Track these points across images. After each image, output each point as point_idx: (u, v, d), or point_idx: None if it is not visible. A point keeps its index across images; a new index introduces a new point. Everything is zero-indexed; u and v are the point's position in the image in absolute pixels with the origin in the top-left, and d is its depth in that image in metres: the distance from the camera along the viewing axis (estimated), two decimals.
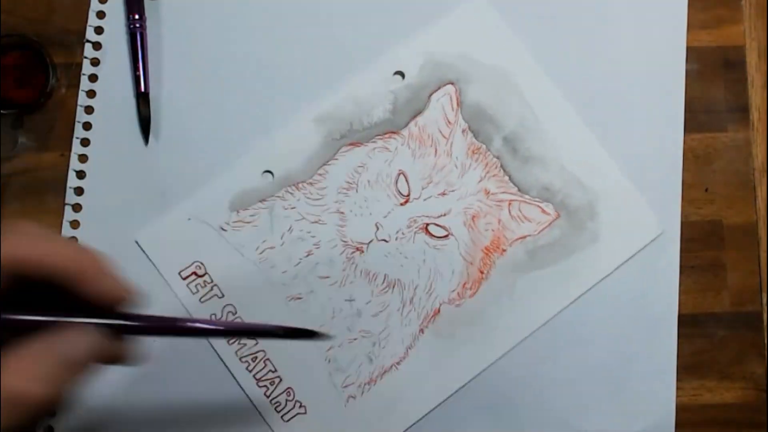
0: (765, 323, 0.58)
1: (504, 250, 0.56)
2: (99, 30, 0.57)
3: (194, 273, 0.55)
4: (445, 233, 0.55)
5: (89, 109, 0.57)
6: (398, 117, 0.56)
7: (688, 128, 0.58)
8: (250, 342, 0.55)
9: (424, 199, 0.56)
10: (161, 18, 0.57)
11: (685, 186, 0.58)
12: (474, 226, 0.56)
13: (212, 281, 0.55)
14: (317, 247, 0.55)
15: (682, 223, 0.57)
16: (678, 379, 0.56)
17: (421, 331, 0.55)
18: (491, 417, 0.56)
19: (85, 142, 0.56)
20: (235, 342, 0.54)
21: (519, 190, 0.56)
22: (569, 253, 0.56)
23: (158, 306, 0.54)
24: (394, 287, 0.55)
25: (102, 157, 0.56)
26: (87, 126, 0.57)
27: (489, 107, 0.57)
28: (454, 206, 0.56)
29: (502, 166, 0.56)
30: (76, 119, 0.57)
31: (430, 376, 0.55)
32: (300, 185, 0.56)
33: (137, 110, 0.56)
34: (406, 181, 0.55)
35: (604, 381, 0.56)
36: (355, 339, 0.55)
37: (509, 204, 0.56)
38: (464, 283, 0.56)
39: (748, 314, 0.57)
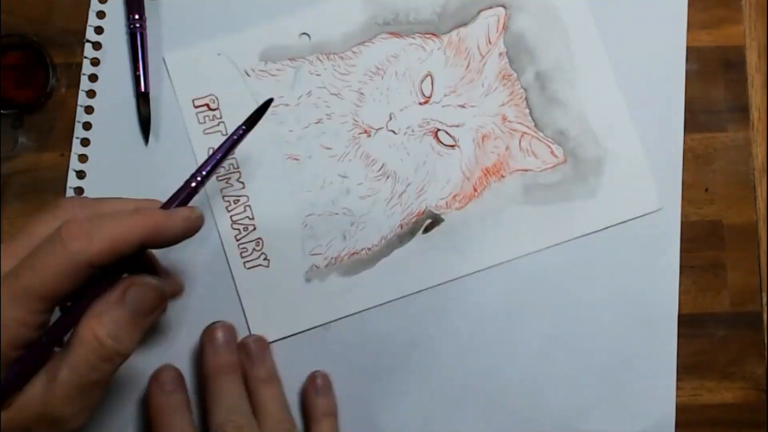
0: (765, 323, 0.58)
1: (503, 176, 0.57)
2: (99, 30, 0.57)
3: (207, 105, 0.56)
4: (453, 143, 0.56)
5: (89, 109, 0.57)
6: (443, 22, 0.57)
7: (688, 128, 0.58)
8: (237, 184, 0.56)
9: (443, 106, 0.56)
10: (161, 18, 0.57)
11: (685, 186, 0.58)
12: (482, 145, 0.56)
13: (221, 117, 0.56)
14: (329, 118, 0.56)
15: (682, 223, 0.57)
16: (678, 379, 0.56)
17: (401, 227, 0.56)
18: (491, 417, 0.56)
19: (85, 142, 0.56)
20: (223, 179, 0.56)
21: (535, 126, 0.57)
22: (563, 200, 0.57)
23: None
24: (388, 178, 0.56)
25: (102, 158, 0.56)
26: (87, 126, 0.57)
27: (531, 39, 0.57)
28: (469, 121, 0.56)
29: (526, 98, 0.57)
30: (76, 119, 0.56)
31: (395, 271, 0.56)
32: (331, 56, 0.57)
33: (137, 110, 0.56)
34: (431, 83, 0.56)
35: (603, 381, 0.56)
36: (336, 214, 0.56)
37: (521, 135, 0.57)
38: (455, 195, 0.56)
39: (748, 314, 0.58)
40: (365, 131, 0.56)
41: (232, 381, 0.52)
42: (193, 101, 0.56)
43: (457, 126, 0.57)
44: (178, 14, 0.58)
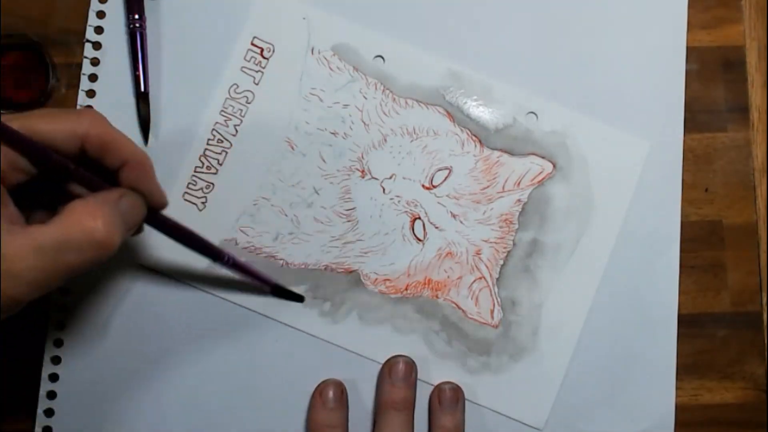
0: (765, 323, 0.58)
1: (436, 297, 0.56)
2: (99, 30, 0.57)
3: (261, 50, 0.56)
4: (421, 238, 0.56)
5: None
6: (495, 137, 0.56)
7: (688, 128, 0.58)
8: (231, 129, 0.57)
9: (438, 203, 0.56)
10: (161, 18, 0.57)
11: (685, 186, 0.58)
12: (442, 258, 0.56)
13: (263, 67, 0.56)
14: (344, 138, 0.56)
15: (682, 223, 0.57)
16: (678, 379, 0.56)
17: (324, 267, 0.56)
18: (491, 417, 0.56)
19: None
20: (224, 116, 0.57)
21: (497, 280, 0.56)
22: (465, 359, 0.56)
23: (57, 406, 0.55)
24: (349, 221, 0.56)
25: None
26: None
27: (553, 209, 0.57)
28: (449, 232, 0.56)
29: (508, 252, 0.56)
30: None
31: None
32: (386, 91, 0.57)
33: (137, 110, 0.56)
34: (445, 178, 0.56)
35: (603, 381, 0.56)
36: (285, 215, 0.56)
37: (479, 278, 0.56)
38: (387, 279, 0.56)
39: (748, 314, 0.57)
40: (362, 171, 0.56)
41: (402, 417, 0.53)
42: (253, 38, 0.56)
43: (436, 228, 0.56)
44: (179, 14, 0.58)
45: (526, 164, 0.56)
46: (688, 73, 0.58)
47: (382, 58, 0.56)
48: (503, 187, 0.56)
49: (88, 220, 0.41)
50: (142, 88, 0.56)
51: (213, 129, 0.56)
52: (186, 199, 0.56)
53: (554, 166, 0.57)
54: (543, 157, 0.57)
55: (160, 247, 0.55)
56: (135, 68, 0.56)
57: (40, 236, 0.40)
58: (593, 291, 0.56)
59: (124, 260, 0.56)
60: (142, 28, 0.57)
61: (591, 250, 0.56)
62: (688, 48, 0.58)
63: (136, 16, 0.56)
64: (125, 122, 0.56)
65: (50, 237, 0.40)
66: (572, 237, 0.56)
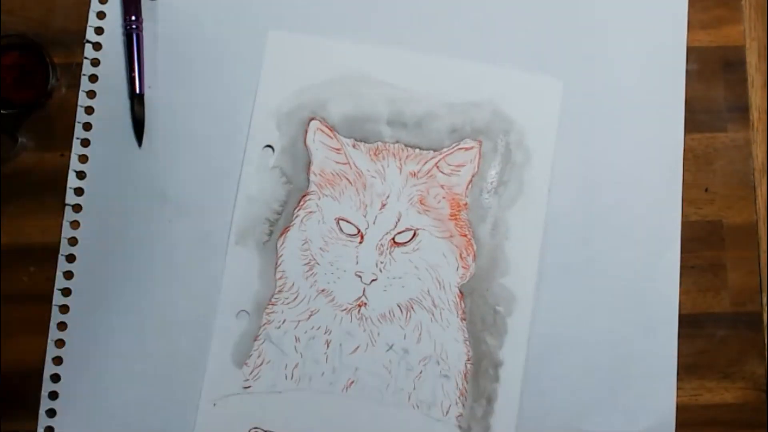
0: (765, 323, 0.58)
1: (466, 204, 0.56)
2: (99, 30, 0.57)
3: (270, 146, 0.56)
4: (412, 233, 0.56)
5: (89, 110, 0.57)
6: (297, 180, 0.57)
7: (688, 128, 0.58)
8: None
9: (373, 223, 0.56)
10: (158, 19, 0.57)
11: (685, 186, 0.58)
12: (427, 207, 0.56)
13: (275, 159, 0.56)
14: (329, 333, 0.56)
15: (682, 223, 0.57)
16: (678, 379, 0.56)
17: (462, 319, 0.56)
18: (492, 417, 0.56)
19: (85, 143, 0.56)
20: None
21: (434, 150, 0.57)
22: (512, 161, 0.57)
23: (59, 407, 0.55)
24: (413, 307, 0.56)
25: (102, 158, 0.56)
26: (87, 126, 0.57)
27: (355, 111, 0.57)
28: (400, 207, 0.56)
29: (405, 145, 0.57)
30: (76, 120, 0.56)
31: (502, 342, 0.56)
32: (273, 300, 0.56)
33: (131, 111, 0.56)
34: (348, 221, 0.56)
35: (604, 381, 0.56)
36: (420, 372, 0.55)
37: (437, 167, 0.56)
38: (460, 255, 0.56)
39: (748, 314, 0.58)
40: (359, 305, 0.56)
41: None
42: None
43: (399, 220, 0.56)
44: (177, 15, 0.58)
45: (316, 147, 0.57)
46: (688, 73, 0.58)
47: (244, 311, 0.56)
48: (343, 163, 0.56)
49: None
50: (137, 90, 0.56)
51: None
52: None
53: (312, 118, 0.57)
54: (306, 132, 0.57)
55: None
56: (131, 69, 0.56)
57: None
58: (427, 57, 0.57)
59: (126, 262, 0.56)
60: (139, 29, 0.56)
61: (383, 68, 0.57)
62: (688, 48, 0.58)
63: (133, 18, 0.56)
64: (125, 123, 0.56)
65: None
66: (376, 90, 0.57)
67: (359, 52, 0.57)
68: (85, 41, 0.57)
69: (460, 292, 0.56)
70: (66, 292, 0.55)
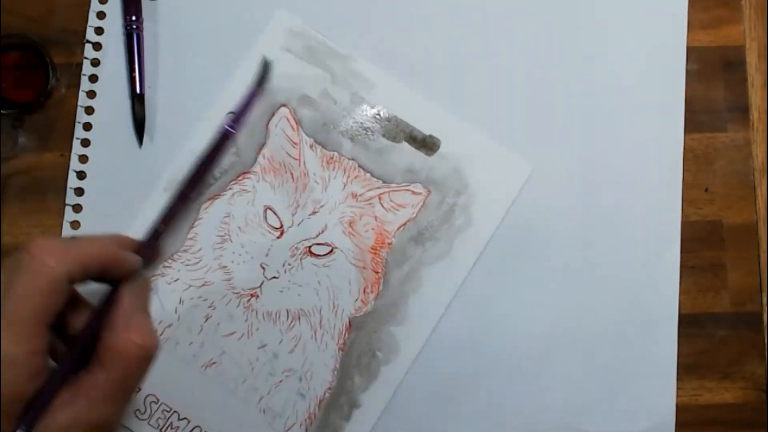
0: (765, 323, 0.58)
1: (390, 244, 0.56)
2: (99, 30, 0.57)
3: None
4: (329, 249, 0.55)
5: (89, 110, 0.57)
6: (244, 156, 0.56)
7: (688, 128, 0.58)
8: (182, 423, 0.54)
9: (298, 225, 0.55)
10: (159, 19, 0.57)
11: (685, 186, 0.58)
12: (354, 231, 0.56)
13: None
14: (213, 309, 0.55)
15: (682, 223, 0.57)
16: (678, 379, 0.56)
17: (340, 349, 0.55)
18: (492, 417, 0.56)
19: (85, 143, 0.56)
20: (167, 427, 0.54)
21: (384, 182, 0.56)
22: (452, 222, 0.56)
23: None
24: (300, 318, 0.55)
25: (102, 158, 0.56)
26: (87, 126, 0.57)
27: (327, 115, 0.57)
28: (329, 220, 0.56)
29: (360, 165, 0.56)
30: (77, 120, 0.57)
31: (368, 386, 0.55)
32: (175, 256, 0.55)
33: (132, 111, 0.56)
34: (275, 213, 0.55)
35: (604, 381, 0.56)
36: (281, 381, 0.55)
37: (380, 198, 0.56)
38: (364, 289, 0.56)
39: (748, 314, 0.58)
40: (252, 295, 0.55)
41: None
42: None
43: (322, 232, 0.55)
44: (177, 15, 0.58)
45: (276, 132, 0.56)
46: (688, 73, 0.58)
47: None
48: (294, 158, 0.56)
49: (131, 345, 0.40)
50: (138, 90, 0.56)
51: None
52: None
53: (284, 105, 0.56)
54: (274, 113, 0.56)
55: None
56: (131, 69, 0.56)
57: (95, 388, 0.39)
58: (414, 94, 0.57)
59: None
60: (139, 29, 0.57)
61: (367, 83, 0.57)
62: (688, 48, 0.58)
63: (133, 18, 0.56)
64: (126, 123, 0.57)
65: (106, 383, 0.39)
66: (352, 104, 0.57)
67: (354, 66, 0.57)
68: (85, 41, 0.57)
69: (350, 323, 0.55)
70: None
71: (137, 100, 0.56)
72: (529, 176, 0.57)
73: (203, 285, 0.55)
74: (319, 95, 0.57)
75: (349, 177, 0.56)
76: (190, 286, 0.55)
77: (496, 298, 0.56)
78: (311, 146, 0.56)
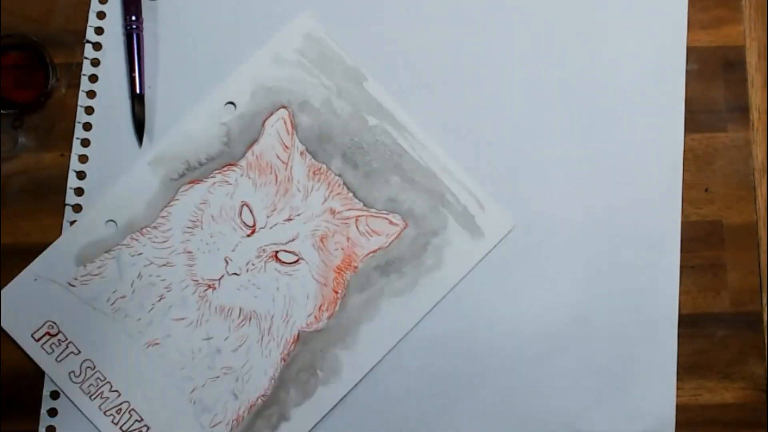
0: (765, 323, 0.58)
1: (356, 267, 0.56)
2: (99, 30, 0.57)
3: (47, 333, 0.55)
4: (296, 258, 0.55)
5: (89, 110, 0.57)
6: (234, 148, 0.56)
7: (688, 128, 0.58)
8: (112, 395, 0.54)
9: (271, 227, 0.55)
10: (159, 19, 0.57)
11: (685, 186, 0.58)
12: (324, 247, 0.55)
13: (66, 339, 0.55)
14: (168, 290, 0.55)
15: (682, 223, 0.57)
16: (678, 379, 0.56)
17: (283, 359, 0.55)
18: (493, 417, 0.56)
19: (85, 143, 0.56)
20: (97, 396, 0.54)
21: (364, 205, 0.56)
22: (422, 260, 0.56)
23: (61, 406, 0.55)
24: (250, 320, 0.55)
25: (102, 158, 0.56)
26: (87, 126, 0.57)
27: (324, 126, 0.56)
28: (302, 230, 0.55)
29: (345, 183, 0.56)
30: (77, 120, 0.57)
31: (302, 402, 0.55)
32: (144, 230, 0.55)
33: (132, 111, 0.56)
34: (251, 211, 0.55)
35: (604, 381, 0.56)
36: (217, 377, 0.55)
37: (356, 220, 0.56)
38: (320, 306, 0.55)
39: (748, 314, 0.58)
40: (209, 286, 0.55)
41: None
42: (32, 336, 0.54)
43: (293, 240, 0.55)
44: (177, 15, 0.58)
45: (270, 132, 0.56)
46: (688, 73, 0.58)
47: (113, 221, 0.55)
48: (283, 162, 0.56)
49: None
50: (138, 90, 0.56)
51: (105, 413, 0.54)
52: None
53: (285, 107, 0.56)
54: (272, 113, 0.56)
55: None
56: (131, 69, 0.56)
57: None
58: (415, 125, 0.56)
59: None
60: (139, 29, 0.57)
61: (373, 106, 0.56)
62: (688, 48, 0.58)
63: (133, 18, 0.56)
64: (126, 123, 0.57)
65: None
66: (353, 122, 0.56)
67: (364, 85, 0.57)
68: (85, 41, 0.57)
69: (298, 335, 0.55)
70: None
71: (137, 100, 0.56)
72: (509, 233, 0.56)
73: (164, 265, 0.55)
74: (321, 105, 0.57)
75: (331, 192, 0.56)
76: (152, 263, 0.55)
77: (496, 298, 0.57)
78: (302, 153, 0.56)
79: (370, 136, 0.57)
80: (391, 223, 0.56)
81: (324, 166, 0.56)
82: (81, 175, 0.56)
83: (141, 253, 0.55)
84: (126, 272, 0.55)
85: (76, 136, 0.56)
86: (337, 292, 0.56)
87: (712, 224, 0.58)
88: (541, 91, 0.58)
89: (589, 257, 0.57)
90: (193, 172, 0.56)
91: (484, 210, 0.56)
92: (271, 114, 0.57)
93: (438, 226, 0.56)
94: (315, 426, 0.55)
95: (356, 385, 0.55)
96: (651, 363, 0.56)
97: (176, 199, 0.56)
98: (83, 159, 0.56)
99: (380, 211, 0.56)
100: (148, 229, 0.55)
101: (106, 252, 0.55)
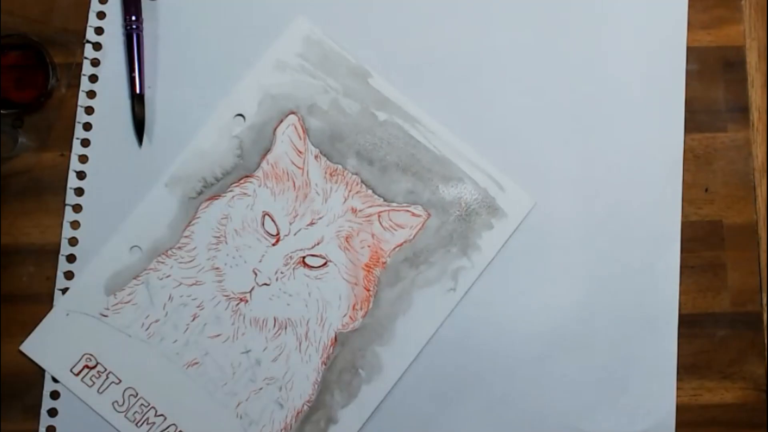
0: (765, 323, 0.58)
1: (384, 263, 0.56)
2: (99, 30, 0.57)
3: (86, 366, 0.55)
4: (323, 261, 0.55)
5: (89, 110, 0.57)
6: (249, 159, 0.56)
7: (688, 128, 0.58)
8: (158, 419, 0.54)
9: (295, 234, 0.55)
10: (160, 19, 0.57)
11: (685, 186, 0.58)
12: (350, 246, 0.55)
13: (105, 369, 0.55)
14: (201, 309, 0.55)
15: (682, 223, 0.57)
16: (678, 379, 0.56)
17: (323, 363, 0.55)
18: (493, 418, 0.56)
19: (85, 143, 0.56)
20: (143, 422, 0.54)
21: (385, 200, 0.56)
22: (449, 248, 0.56)
23: (61, 406, 0.55)
24: (286, 328, 0.55)
25: (102, 158, 0.56)
26: (87, 126, 0.57)
27: (335, 127, 0.56)
28: (326, 232, 0.55)
29: (362, 181, 0.56)
30: (77, 120, 0.56)
31: (348, 403, 0.55)
32: (170, 252, 0.55)
33: (131, 111, 0.56)
34: (273, 220, 0.55)
35: (604, 381, 0.56)
36: (260, 389, 0.55)
37: (379, 216, 0.56)
38: (354, 305, 0.55)
39: (748, 314, 0.58)
40: (241, 299, 0.55)
41: None
42: (71, 371, 0.54)
43: (319, 243, 0.55)
44: (178, 15, 0.58)
45: (282, 139, 0.56)
46: (688, 73, 0.58)
47: (137, 246, 0.55)
48: (298, 167, 0.56)
49: None
50: (138, 90, 0.56)
51: None
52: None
53: (293, 112, 0.56)
54: (282, 120, 0.56)
55: None
56: (131, 69, 0.56)
57: None
58: (425, 115, 0.56)
59: (127, 264, 0.56)
60: (139, 29, 0.56)
61: (380, 100, 0.56)
62: (688, 48, 0.58)
63: (133, 18, 0.56)
64: (126, 123, 0.56)
65: None
66: (363, 119, 0.56)
67: (369, 81, 0.57)
68: (85, 41, 0.57)
69: (335, 337, 0.55)
70: (66, 291, 0.55)
71: (137, 100, 0.56)
72: (531, 210, 0.56)
73: (194, 284, 0.55)
74: (329, 106, 0.57)
75: (350, 191, 0.56)
76: (181, 284, 0.55)
77: (496, 298, 0.57)
78: (316, 157, 0.56)
79: (382, 131, 0.57)
80: (413, 214, 0.56)
81: (340, 167, 0.56)
82: (81, 175, 0.56)
83: (169, 275, 0.55)
84: (156, 296, 0.55)
85: (76, 136, 0.56)
86: (368, 290, 0.56)
87: (712, 224, 0.58)
88: (541, 91, 0.58)
89: (589, 257, 0.57)
90: (210, 189, 0.56)
91: (504, 191, 0.56)
92: (281, 121, 0.57)
93: (461, 212, 0.56)
94: (363, 425, 0.55)
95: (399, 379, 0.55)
96: (651, 363, 0.56)
97: (197, 218, 0.56)
98: (83, 159, 0.56)
99: (401, 204, 0.56)
100: (173, 250, 0.55)
101: (134, 278, 0.55)
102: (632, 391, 0.56)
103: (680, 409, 0.56)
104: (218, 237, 0.55)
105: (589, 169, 0.58)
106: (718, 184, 0.58)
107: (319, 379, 0.55)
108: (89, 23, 0.57)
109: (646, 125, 0.58)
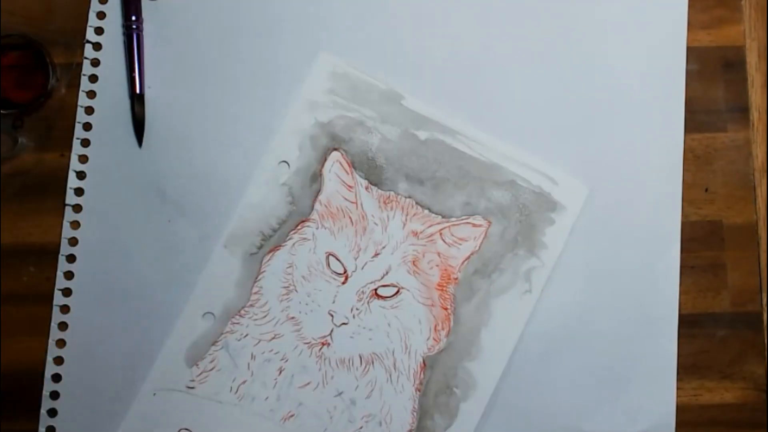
0: (765, 323, 0.58)
1: (456, 279, 0.56)
2: (99, 30, 0.57)
3: None
4: (396, 290, 0.55)
5: (89, 110, 0.57)
6: (301, 204, 0.56)
7: (688, 128, 0.58)
8: None
9: (362, 268, 0.55)
10: (160, 19, 0.57)
11: (685, 186, 0.58)
12: (418, 269, 0.55)
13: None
14: (285, 361, 0.55)
15: (682, 223, 0.57)
16: (678, 379, 0.56)
17: (417, 389, 0.55)
18: (493, 417, 0.56)
19: (85, 143, 0.56)
20: None
21: (443, 216, 0.56)
22: (516, 251, 0.56)
23: (61, 406, 0.55)
24: (373, 362, 0.55)
25: (102, 158, 0.56)
26: (87, 126, 0.57)
27: (379, 154, 0.56)
28: (392, 260, 0.55)
29: (417, 202, 0.56)
30: (77, 120, 0.57)
31: (450, 424, 0.55)
32: (242, 311, 0.55)
33: (131, 112, 0.56)
34: (337, 259, 0.55)
35: (604, 381, 0.56)
36: (360, 428, 0.55)
37: (440, 233, 0.56)
38: (435, 326, 0.55)
39: (748, 314, 0.58)
40: (323, 344, 0.55)
41: None
42: None
43: (387, 273, 0.55)
44: (178, 15, 0.58)
45: (330, 177, 0.56)
46: (688, 73, 0.58)
47: (210, 313, 0.55)
48: (352, 201, 0.56)
49: None
50: (138, 90, 0.56)
51: None
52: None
53: (335, 149, 0.56)
54: (326, 158, 0.56)
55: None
56: (131, 69, 0.56)
57: None
58: (465, 124, 0.56)
59: (125, 262, 0.56)
60: (139, 29, 0.56)
61: (418, 120, 0.56)
62: (688, 48, 0.58)
63: (133, 18, 0.56)
64: (126, 123, 0.57)
65: None
66: (404, 141, 0.56)
67: (403, 102, 0.57)
68: (85, 41, 0.57)
69: (424, 362, 0.55)
70: (66, 292, 0.56)
71: (137, 100, 0.56)
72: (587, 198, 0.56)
73: (273, 338, 0.55)
74: (369, 135, 0.56)
75: (407, 215, 0.56)
76: (260, 340, 0.55)
77: None
78: (366, 188, 0.56)
79: (425, 149, 0.56)
80: (474, 225, 0.56)
81: (392, 193, 0.56)
82: (81, 175, 0.56)
83: (247, 335, 0.55)
84: (238, 357, 0.55)
85: (76, 136, 0.56)
86: (446, 309, 0.55)
87: (712, 224, 0.58)
88: (541, 91, 0.58)
89: (589, 257, 0.57)
90: (270, 241, 0.56)
91: (558, 184, 0.56)
92: (325, 160, 0.56)
93: (520, 213, 0.56)
94: None
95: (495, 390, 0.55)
96: (651, 363, 0.56)
97: (263, 272, 0.56)
98: (83, 159, 0.56)
99: (460, 218, 0.56)
100: (246, 309, 0.55)
101: (212, 345, 0.55)
102: (632, 391, 0.56)
103: (680, 409, 0.56)
104: (287, 287, 0.55)
105: (589, 168, 0.57)
106: (718, 184, 0.58)
107: (416, 407, 0.55)
108: (89, 23, 0.57)
109: (646, 125, 0.58)
